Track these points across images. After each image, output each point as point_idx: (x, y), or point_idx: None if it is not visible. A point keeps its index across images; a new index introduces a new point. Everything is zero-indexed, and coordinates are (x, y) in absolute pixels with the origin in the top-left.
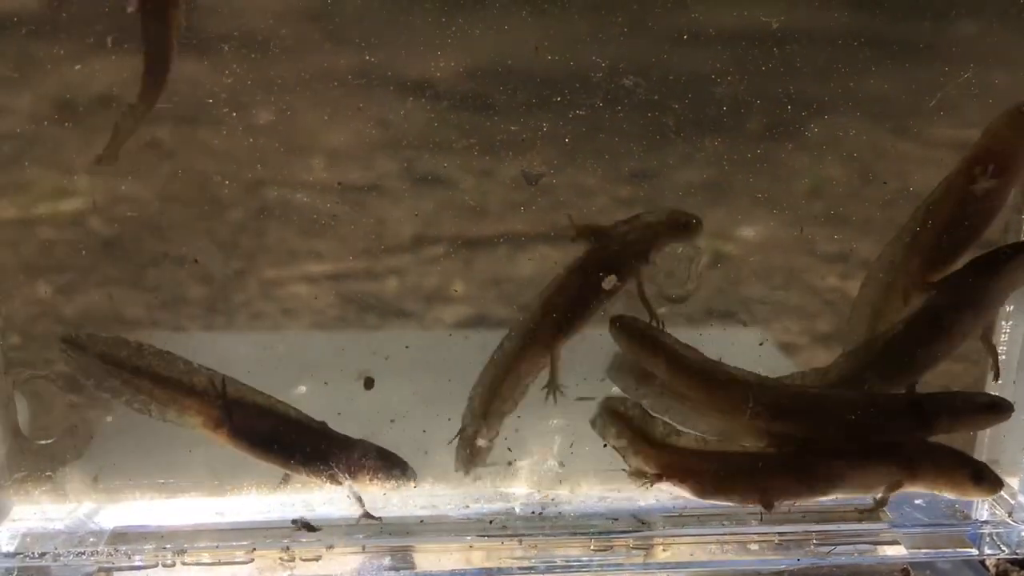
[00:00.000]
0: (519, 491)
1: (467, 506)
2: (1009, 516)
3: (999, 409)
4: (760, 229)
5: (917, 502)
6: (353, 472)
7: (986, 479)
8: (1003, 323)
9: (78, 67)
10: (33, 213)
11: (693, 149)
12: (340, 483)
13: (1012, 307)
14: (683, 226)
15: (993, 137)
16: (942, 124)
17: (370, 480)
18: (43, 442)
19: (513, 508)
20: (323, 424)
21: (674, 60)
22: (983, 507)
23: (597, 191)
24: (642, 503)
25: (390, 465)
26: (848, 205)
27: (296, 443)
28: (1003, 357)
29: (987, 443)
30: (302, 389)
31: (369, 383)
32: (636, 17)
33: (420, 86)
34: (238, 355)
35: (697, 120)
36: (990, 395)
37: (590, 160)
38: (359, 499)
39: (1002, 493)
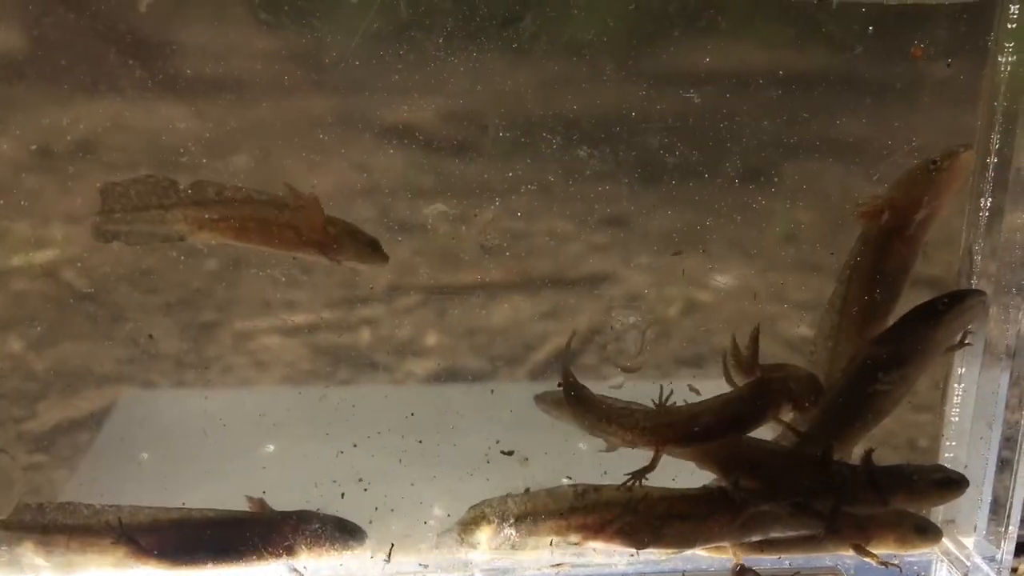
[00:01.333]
0: (478, 558)
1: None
2: None
3: (953, 485)
4: (733, 276)
5: (877, 566)
6: (298, 545)
7: (930, 530)
8: (955, 386)
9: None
10: (5, 264)
11: (668, 195)
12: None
13: (963, 370)
14: None
15: (900, 189)
16: None
17: (319, 550)
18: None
19: (472, 574)
20: (259, 502)
21: (650, 105)
22: (941, 569)
23: (572, 237)
24: (601, 569)
25: (339, 531)
26: (820, 252)
27: (226, 539)
28: (955, 419)
29: (943, 505)
30: (270, 448)
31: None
32: (611, 61)
33: (398, 131)
34: (207, 412)
35: (673, 164)
36: (945, 470)
37: (565, 206)
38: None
39: (958, 554)
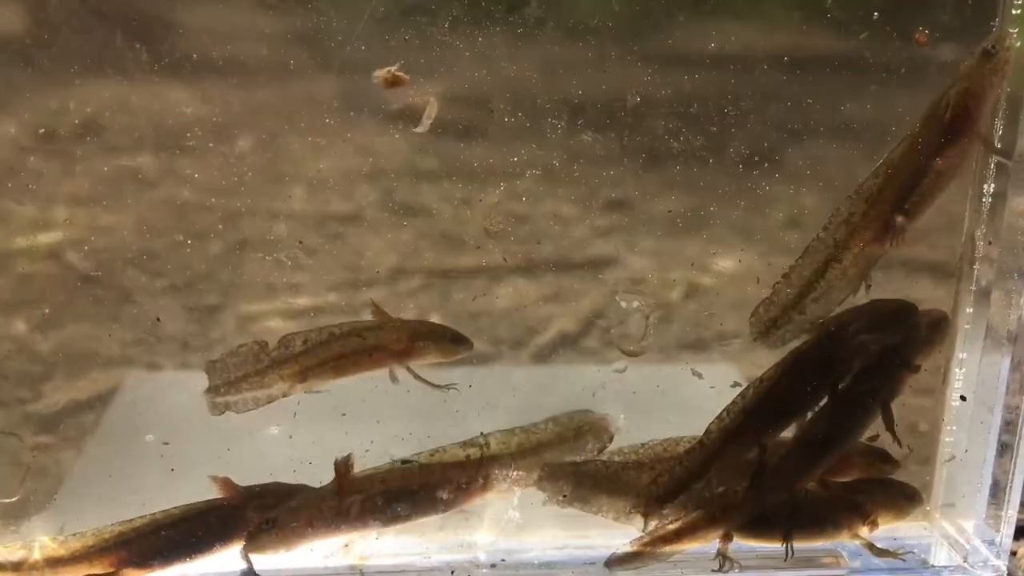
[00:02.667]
0: (482, 539)
1: (429, 556)
2: (964, 561)
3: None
4: (736, 260)
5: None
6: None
7: (917, 495)
8: (956, 371)
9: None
10: (10, 246)
11: (672, 178)
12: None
13: (964, 355)
14: None
15: (967, 80)
16: None
17: None
18: (5, 501)
19: (477, 556)
20: (225, 481)
21: (654, 87)
22: (941, 552)
23: (575, 221)
24: (603, 551)
25: None
26: None
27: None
28: (955, 403)
29: (943, 488)
30: (273, 430)
31: None
32: (617, 43)
33: (402, 114)
34: None
35: (677, 147)
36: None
37: (568, 189)
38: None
39: (958, 537)
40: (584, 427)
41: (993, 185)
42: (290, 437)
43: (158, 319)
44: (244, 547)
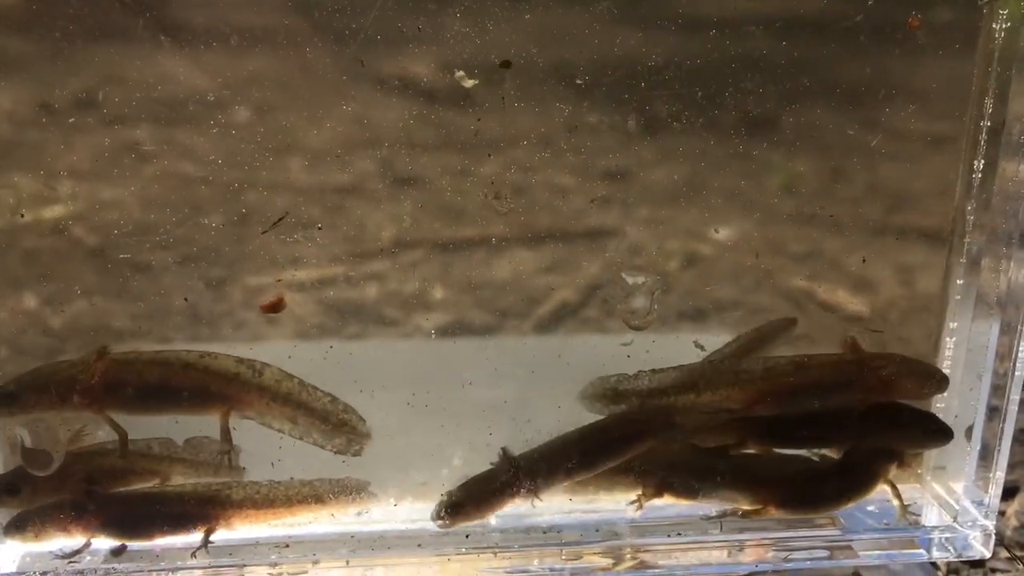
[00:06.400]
0: None
1: None
2: (954, 520)
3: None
4: (733, 229)
5: (870, 508)
6: None
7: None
8: (947, 339)
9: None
10: (15, 221)
11: (667, 146)
12: None
13: (955, 324)
14: None
15: None
16: (912, 116)
17: None
18: (42, 474)
19: (488, 521)
20: None
21: (651, 52)
22: (932, 512)
23: (573, 191)
24: (610, 515)
25: None
26: (818, 202)
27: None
28: (947, 371)
29: (934, 452)
30: None
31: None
32: (613, 8)
33: (397, 82)
34: None
35: (672, 113)
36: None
37: (566, 158)
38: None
39: (948, 499)
40: None
41: (985, 149)
42: None
43: (186, 299)
44: None
